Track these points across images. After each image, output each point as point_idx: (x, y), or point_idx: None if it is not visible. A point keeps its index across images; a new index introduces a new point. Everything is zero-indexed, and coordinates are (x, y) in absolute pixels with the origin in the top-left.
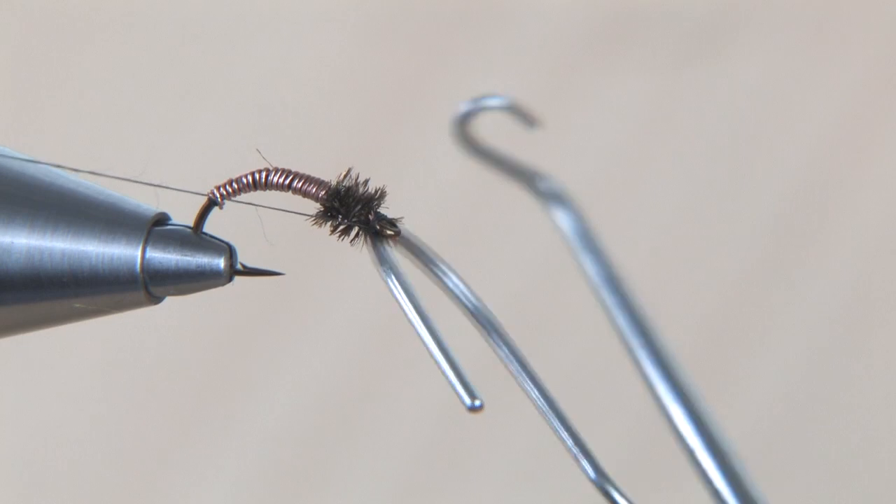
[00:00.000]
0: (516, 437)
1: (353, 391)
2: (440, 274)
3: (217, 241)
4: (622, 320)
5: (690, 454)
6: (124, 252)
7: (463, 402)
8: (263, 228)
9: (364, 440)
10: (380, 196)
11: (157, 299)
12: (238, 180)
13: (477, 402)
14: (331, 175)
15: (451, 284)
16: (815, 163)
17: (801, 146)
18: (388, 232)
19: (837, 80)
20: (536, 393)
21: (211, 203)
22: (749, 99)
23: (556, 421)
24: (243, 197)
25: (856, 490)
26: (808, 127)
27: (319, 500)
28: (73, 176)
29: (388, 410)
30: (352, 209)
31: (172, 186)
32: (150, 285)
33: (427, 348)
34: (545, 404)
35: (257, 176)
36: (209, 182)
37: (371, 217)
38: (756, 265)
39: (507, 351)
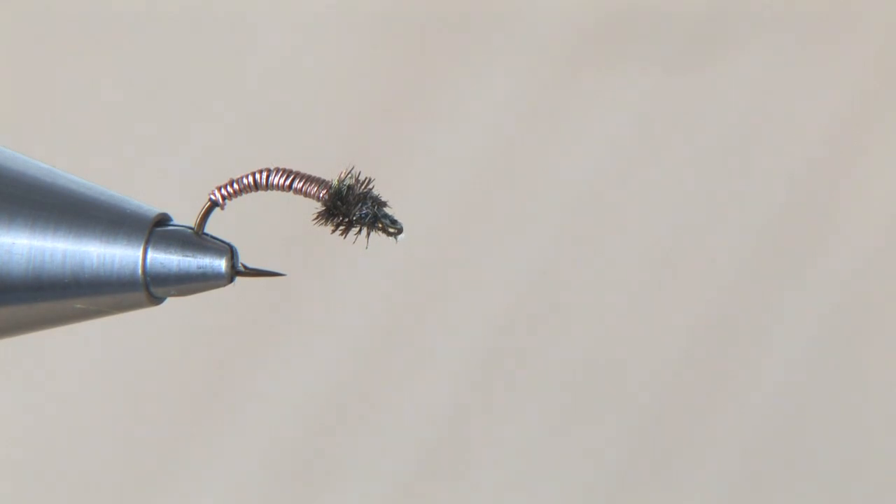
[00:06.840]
0: (517, 438)
1: (355, 391)
2: None
3: (219, 242)
4: None
5: None
6: (126, 253)
7: None
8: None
9: (365, 441)
10: (381, 195)
11: (158, 300)
12: (239, 180)
13: None
14: (332, 174)
15: None
16: (816, 161)
17: (801, 144)
18: (391, 230)
19: (837, 80)
20: None
21: (212, 204)
22: (749, 99)
23: None
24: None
25: (856, 490)
26: (808, 125)
27: (320, 499)
28: (73, 176)
29: (389, 411)
30: (353, 208)
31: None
32: (151, 286)
33: None
34: None
35: (258, 176)
36: (210, 182)
37: (373, 215)
38: (756, 264)
39: None
